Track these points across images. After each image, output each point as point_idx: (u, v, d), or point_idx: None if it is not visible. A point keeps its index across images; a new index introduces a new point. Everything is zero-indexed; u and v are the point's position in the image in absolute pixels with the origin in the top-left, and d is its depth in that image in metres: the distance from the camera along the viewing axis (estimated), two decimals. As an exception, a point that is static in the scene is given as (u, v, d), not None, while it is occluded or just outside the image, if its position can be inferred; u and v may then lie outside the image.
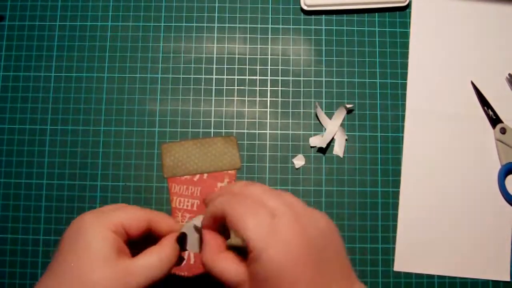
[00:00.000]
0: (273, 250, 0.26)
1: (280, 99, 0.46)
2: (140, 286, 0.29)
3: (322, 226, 0.28)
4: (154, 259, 0.30)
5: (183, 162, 0.45)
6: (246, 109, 0.46)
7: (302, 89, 0.47)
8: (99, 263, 0.28)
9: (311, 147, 0.46)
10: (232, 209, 0.29)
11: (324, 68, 0.47)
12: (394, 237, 0.44)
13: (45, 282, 0.29)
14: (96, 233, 0.29)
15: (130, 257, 0.30)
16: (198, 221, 0.33)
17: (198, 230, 0.33)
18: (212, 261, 0.30)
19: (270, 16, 0.48)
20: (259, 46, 0.47)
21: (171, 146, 0.45)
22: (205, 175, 0.45)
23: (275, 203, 0.28)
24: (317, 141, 0.45)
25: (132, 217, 0.31)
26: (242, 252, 0.29)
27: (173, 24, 0.47)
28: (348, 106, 0.45)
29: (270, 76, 0.47)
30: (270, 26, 0.47)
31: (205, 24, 0.47)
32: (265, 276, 0.26)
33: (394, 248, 0.44)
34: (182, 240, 0.33)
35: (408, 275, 0.44)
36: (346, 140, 0.46)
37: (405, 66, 0.47)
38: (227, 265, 0.29)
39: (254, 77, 0.47)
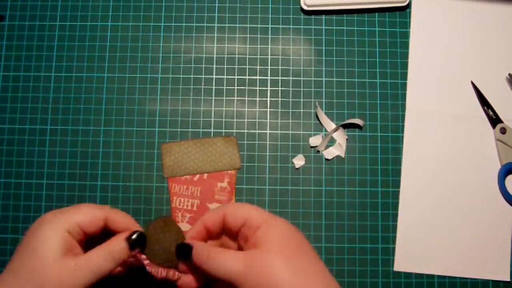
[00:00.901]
0: (282, 224, 0.32)
1: (280, 99, 0.46)
2: (88, 281, 0.31)
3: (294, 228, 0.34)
4: (100, 255, 0.32)
5: (183, 162, 0.45)
6: (246, 109, 0.46)
7: (302, 89, 0.47)
8: (49, 261, 0.31)
9: (311, 147, 0.46)
10: (232, 206, 0.34)
11: (324, 68, 0.47)
12: (394, 237, 0.44)
13: (2, 278, 0.31)
14: (50, 233, 0.32)
15: (82, 254, 0.32)
16: None
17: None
18: (208, 256, 0.32)
19: (270, 16, 0.48)
20: (259, 46, 0.47)
21: (171, 146, 0.45)
22: (205, 175, 0.45)
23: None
24: (317, 141, 0.45)
25: (88, 216, 0.33)
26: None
27: (173, 24, 0.47)
28: (356, 121, 0.45)
29: (270, 76, 0.47)
30: (270, 26, 0.48)
31: (205, 24, 0.47)
32: (277, 240, 0.31)
33: (394, 248, 0.44)
34: (134, 240, 0.34)
35: (408, 275, 0.44)
36: (346, 139, 0.46)
37: (405, 66, 0.47)
38: (226, 255, 0.31)
39: (254, 77, 0.47)
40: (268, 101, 0.46)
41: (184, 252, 0.34)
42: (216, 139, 0.45)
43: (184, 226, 0.44)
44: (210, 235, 0.36)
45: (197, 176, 0.45)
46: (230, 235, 0.35)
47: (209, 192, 0.45)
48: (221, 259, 0.31)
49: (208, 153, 0.45)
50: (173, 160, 0.45)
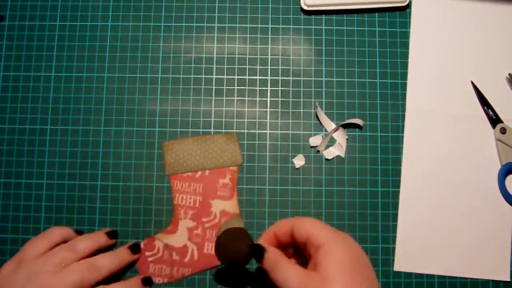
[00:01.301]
0: (344, 247, 0.32)
1: (280, 99, 0.46)
2: None
3: (359, 248, 0.34)
4: None
5: (185, 159, 0.45)
6: (246, 109, 0.46)
7: (302, 89, 0.47)
8: None
9: (311, 147, 0.46)
10: (299, 220, 0.35)
11: (324, 68, 0.47)
12: (394, 237, 0.44)
13: None
14: None
15: None
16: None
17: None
18: (275, 263, 0.34)
19: (270, 16, 0.48)
20: (259, 46, 0.47)
21: (172, 143, 0.45)
22: (207, 171, 0.45)
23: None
24: (317, 141, 0.45)
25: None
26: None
27: (173, 24, 0.47)
28: (356, 121, 0.45)
29: (270, 76, 0.47)
30: (270, 26, 0.48)
31: (205, 24, 0.47)
32: (333, 265, 0.31)
33: (394, 248, 0.44)
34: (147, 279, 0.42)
35: (408, 275, 0.44)
36: (346, 139, 0.46)
37: (405, 66, 0.47)
38: (289, 268, 0.33)
39: (254, 77, 0.47)
40: (268, 101, 0.46)
41: (257, 253, 0.35)
42: (217, 136, 0.45)
43: (187, 223, 0.44)
44: (280, 243, 0.37)
45: (199, 173, 0.45)
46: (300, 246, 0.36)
47: (211, 189, 0.45)
48: (284, 270, 0.33)
49: (209, 149, 0.45)
50: (175, 158, 0.45)
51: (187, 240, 0.44)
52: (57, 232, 0.41)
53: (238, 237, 0.37)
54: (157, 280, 0.43)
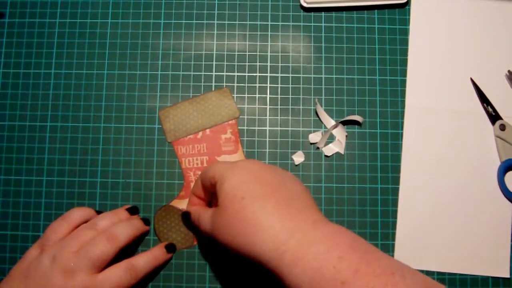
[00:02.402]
0: (233, 175, 0.33)
1: (279, 96, 0.46)
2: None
3: (256, 167, 0.34)
4: (146, 258, 0.41)
5: (183, 123, 0.45)
6: (246, 106, 0.46)
7: (301, 86, 0.47)
8: None
9: (311, 143, 0.46)
10: (203, 170, 0.38)
11: (323, 65, 0.47)
12: (394, 234, 0.44)
13: None
14: None
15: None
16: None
17: None
18: (199, 217, 0.37)
19: (269, 13, 0.48)
20: (258, 43, 0.47)
21: (168, 111, 0.45)
22: (207, 130, 0.45)
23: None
24: (316, 137, 0.45)
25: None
26: None
27: (173, 21, 0.48)
28: (356, 118, 0.45)
29: (270, 73, 0.47)
30: (269, 23, 0.48)
31: (204, 21, 0.48)
32: (225, 195, 0.32)
33: (393, 245, 0.44)
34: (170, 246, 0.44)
35: (407, 271, 0.44)
36: (346, 136, 0.46)
37: (404, 63, 0.47)
38: (205, 214, 0.36)
39: (254, 74, 0.47)
40: (268, 98, 0.46)
41: (185, 219, 0.40)
42: (209, 94, 0.46)
43: None
44: (208, 201, 0.40)
45: (200, 133, 0.45)
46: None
47: (215, 146, 0.45)
48: (202, 218, 0.36)
49: (205, 109, 0.45)
50: (173, 124, 0.45)
51: None
52: (77, 213, 0.41)
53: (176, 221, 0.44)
54: (180, 245, 0.44)
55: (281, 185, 0.33)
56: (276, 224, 0.30)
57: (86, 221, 0.41)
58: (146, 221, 0.43)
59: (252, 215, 0.30)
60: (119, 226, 0.40)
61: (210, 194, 0.39)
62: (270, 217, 0.30)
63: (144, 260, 0.40)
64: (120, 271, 0.38)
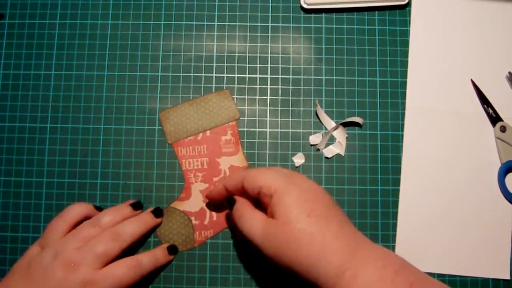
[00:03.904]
0: (293, 191, 0.34)
1: (280, 98, 0.46)
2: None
3: (313, 187, 0.35)
4: (148, 257, 0.41)
5: (183, 124, 0.45)
6: (246, 107, 0.46)
7: (302, 87, 0.47)
8: None
9: (311, 145, 0.46)
10: (251, 172, 0.37)
11: (324, 66, 0.47)
12: (394, 236, 0.44)
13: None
14: None
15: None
16: None
17: None
18: (241, 214, 0.36)
19: (270, 14, 0.48)
20: (259, 44, 0.47)
21: (168, 112, 0.45)
22: (208, 132, 0.45)
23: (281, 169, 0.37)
24: (317, 139, 0.45)
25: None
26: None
27: (173, 22, 0.47)
28: (356, 119, 0.45)
29: (270, 75, 0.47)
30: (270, 24, 0.48)
31: (205, 23, 0.48)
32: (287, 210, 0.33)
33: (394, 246, 0.44)
34: (171, 247, 0.43)
35: (408, 273, 0.44)
36: (346, 138, 0.46)
37: (405, 64, 0.47)
38: (253, 217, 0.35)
39: (254, 76, 0.47)
40: (268, 100, 0.46)
41: (229, 204, 0.38)
42: (209, 96, 0.46)
43: (199, 186, 0.45)
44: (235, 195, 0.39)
45: (200, 135, 0.45)
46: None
47: (215, 148, 0.45)
48: (248, 219, 0.35)
49: (205, 110, 0.45)
50: (174, 125, 0.45)
51: (202, 203, 0.44)
52: (75, 210, 0.41)
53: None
54: (181, 247, 0.44)
55: (336, 207, 0.35)
56: (342, 243, 0.32)
57: (85, 217, 0.41)
58: (158, 212, 0.43)
59: (321, 234, 0.32)
60: (124, 224, 0.40)
61: (250, 198, 0.39)
62: (335, 238, 0.32)
63: (147, 260, 0.40)
64: (124, 268, 0.37)
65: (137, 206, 0.43)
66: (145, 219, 0.42)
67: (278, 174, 0.35)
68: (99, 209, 0.43)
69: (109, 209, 0.42)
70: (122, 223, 0.40)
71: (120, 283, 0.37)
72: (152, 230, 0.43)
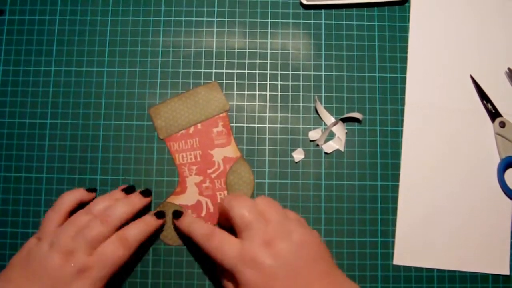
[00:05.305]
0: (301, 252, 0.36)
1: (279, 93, 0.46)
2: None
3: (295, 240, 0.36)
4: (138, 227, 0.41)
5: (174, 119, 0.45)
6: (245, 103, 0.46)
7: (301, 83, 0.47)
8: None
9: (311, 141, 0.46)
10: (223, 202, 0.39)
11: (323, 62, 0.47)
12: (394, 231, 0.44)
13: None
14: None
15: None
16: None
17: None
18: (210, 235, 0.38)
19: (269, 10, 0.48)
20: (258, 40, 0.47)
21: (158, 108, 0.46)
22: (199, 125, 0.45)
23: (267, 208, 0.38)
24: (316, 135, 0.45)
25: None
26: None
27: (173, 18, 0.48)
28: (356, 115, 0.45)
29: (270, 70, 0.47)
30: (269, 20, 0.48)
31: (204, 19, 0.48)
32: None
33: (393, 242, 0.44)
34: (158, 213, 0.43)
35: (407, 268, 0.44)
36: (346, 134, 0.46)
37: (404, 60, 0.47)
38: (226, 236, 0.38)
39: (254, 71, 0.47)
40: (268, 95, 0.46)
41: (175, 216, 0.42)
42: (198, 89, 0.46)
43: (194, 179, 0.45)
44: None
45: (192, 128, 0.45)
46: None
47: (207, 140, 0.45)
48: (223, 237, 0.37)
49: (195, 103, 0.45)
50: (164, 120, 0.45)
51: (198, 196, 0.45)
52: (67, 199, 0.41)
53: None
54: (179, 241, 0.44)
55: (330, 258, 0.37)
56: None
57: (78, 203, 0.42)
58: (146, 193, 0.43)
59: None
60: (112, 207, 0.40)
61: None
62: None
63: (135, 229, 0.40)
64: (111, 245, 0.38)
65: (129, 191, 0.43)
66: (133, 200, 0.42)
67: (244, 213, 0.37)
68: (91, 191, 0.43)
69: (102, 196, 0.42)
70: (110, 205, 0.40)
71: (113, 261, 0.37)
72: (157, 232, 0.43)
